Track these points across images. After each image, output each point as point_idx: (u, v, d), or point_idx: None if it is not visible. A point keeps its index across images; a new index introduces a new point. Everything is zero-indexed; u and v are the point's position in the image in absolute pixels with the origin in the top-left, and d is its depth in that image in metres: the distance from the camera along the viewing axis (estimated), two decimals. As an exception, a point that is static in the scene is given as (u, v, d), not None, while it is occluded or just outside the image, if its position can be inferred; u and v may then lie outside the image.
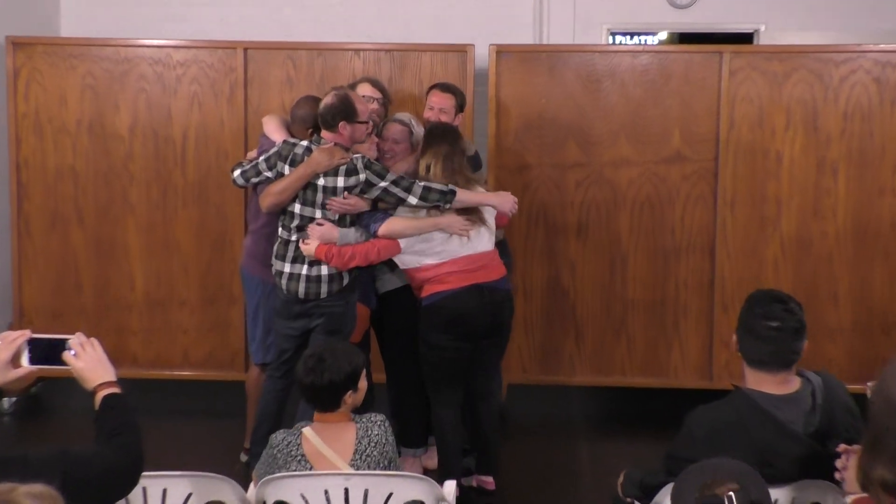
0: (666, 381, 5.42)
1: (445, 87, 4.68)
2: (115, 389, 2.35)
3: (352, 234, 4.18)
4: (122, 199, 5.43)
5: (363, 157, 4.18)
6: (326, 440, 3.09)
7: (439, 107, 4.60)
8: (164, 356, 5.53)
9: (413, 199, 4.12)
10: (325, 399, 3.15)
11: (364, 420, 3.17)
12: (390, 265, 4.44)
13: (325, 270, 4.20)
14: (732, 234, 5.30)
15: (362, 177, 4.13)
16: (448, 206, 4.15)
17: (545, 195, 5.33)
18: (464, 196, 4.17)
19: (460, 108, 4.67)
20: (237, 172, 4.39)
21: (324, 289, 4.21)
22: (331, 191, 4.15)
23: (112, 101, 5.37)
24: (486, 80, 5.29)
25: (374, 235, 4.18)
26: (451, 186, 4.15)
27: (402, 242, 4.20)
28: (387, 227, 4.17)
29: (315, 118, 4.34)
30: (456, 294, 4.19)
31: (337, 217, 4.18)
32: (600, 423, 5.52)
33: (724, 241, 5.30)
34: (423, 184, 4.14)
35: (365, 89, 4.61)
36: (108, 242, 5.46)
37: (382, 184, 4.13)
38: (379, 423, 3.17)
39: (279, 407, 4.42)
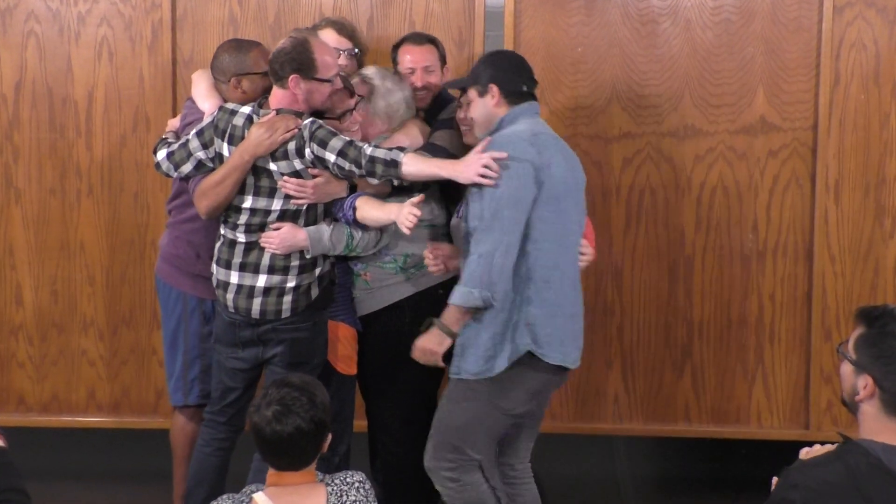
0: (746, 430, 5.41)
1: (419, 38, 4.71)
2: (-3, 442, 2.34)
3: (325, 233, 4.18)
4: (3, 182, 5.42)
5: (312, 122, 4.12)
6: (286, 509, 3.11)
7: (422, 65, 4.61)
8: (63, 397, 5.51)
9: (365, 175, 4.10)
10: (291, 453, 3.15)
11: (337, 481, 3.20)
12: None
13: (290, 282, 4.20)
14: (837, 231, 5.30)
15: (308, 152, 4.10)
16: (397, 181, 4.10)
17: (581, 177, 5.33)
18: (417, 166, 4.06)
19: (444, 60, 4.72)
20: (162, 154, 4.34)
21: (287, 305, 4.21)
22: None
23: (-9, 48, 5.38)
24: (501, 21, 5.30)
25: (353, 223, 4.20)
26: (394, 154, 4.03)
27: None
28: (360, 210, 4.18)
29: (237, 65, 4.35)
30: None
31: (304, 209, 4.18)
32: (656, 485, 5.55)
33: (825, 240, 5.29)
34: (369, 152, 4.05)
35: (328, 37, 4.56)
36: (-14, 242, 5.46)
37: (330, 157, 4.07)
38: (357, 485, 3.21)
39: (221, 464, 4.43)
